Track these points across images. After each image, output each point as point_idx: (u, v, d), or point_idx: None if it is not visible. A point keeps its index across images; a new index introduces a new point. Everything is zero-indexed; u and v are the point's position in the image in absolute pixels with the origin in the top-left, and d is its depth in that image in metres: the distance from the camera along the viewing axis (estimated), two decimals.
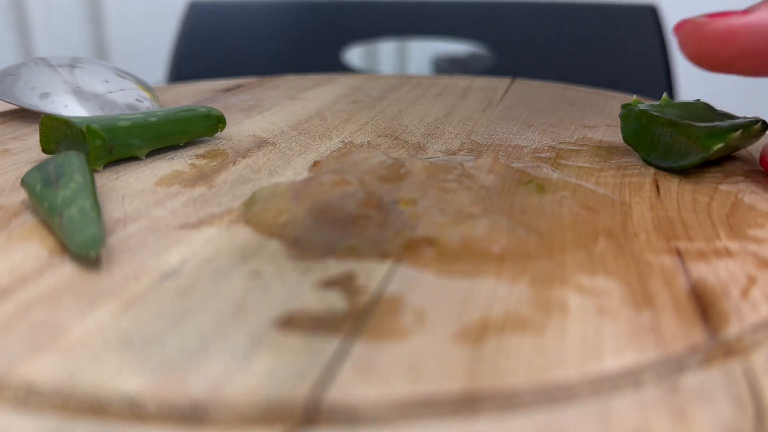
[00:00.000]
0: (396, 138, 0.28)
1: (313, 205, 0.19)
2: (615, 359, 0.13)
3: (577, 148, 0.27)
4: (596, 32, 0.65)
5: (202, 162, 0.25)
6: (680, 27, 0.23)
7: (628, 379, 0.12)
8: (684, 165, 0.23)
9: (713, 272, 0.16)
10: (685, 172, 0.23)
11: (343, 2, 0.69)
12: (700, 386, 0.12)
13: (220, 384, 0.12)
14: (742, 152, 0.26)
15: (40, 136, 0.24)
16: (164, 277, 0.16)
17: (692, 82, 0.64)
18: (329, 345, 0.13)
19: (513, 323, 0.14)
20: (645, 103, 0.25)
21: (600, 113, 0.33)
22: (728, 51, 0.21)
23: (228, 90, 0.40)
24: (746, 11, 0.22)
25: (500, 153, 0.26)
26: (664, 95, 0.26)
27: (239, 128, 0.30)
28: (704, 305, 0.15)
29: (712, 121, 0.23)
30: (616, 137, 0.28)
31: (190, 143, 0.27)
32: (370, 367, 0.13)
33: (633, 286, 0.16)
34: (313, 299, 0.15)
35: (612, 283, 0.16)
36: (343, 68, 0.66)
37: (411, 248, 0.17)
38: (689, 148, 0.22)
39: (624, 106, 0.25)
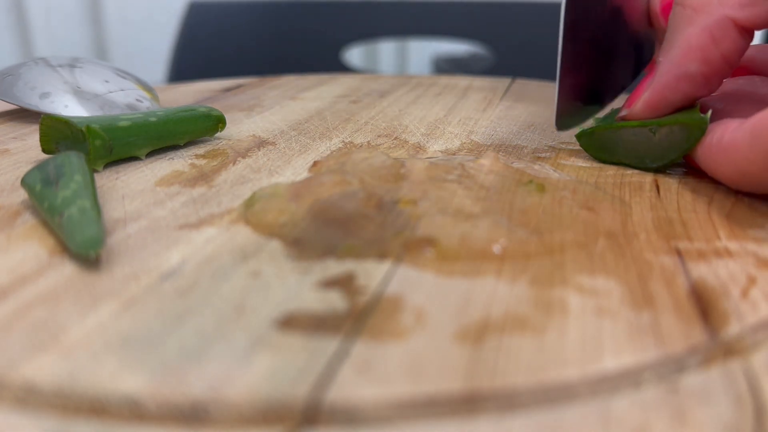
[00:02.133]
0: (396, 138, 0.28)
1: (313, 205, 0.19)
2: (615, 359, 0.13)
3: (577, 148, 0.27)
4: None
5: (202, 162, 0.25)
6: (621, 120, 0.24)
7: (628, 379, 0.12)
8: (686, 149, 0.22)
9: (713, 272, 0.16)
10: (684, 172, 0.23)
11: (343, 2, 0.69)
12: (700, 386, 0.12)
13: (220, 384, 0.12)
14: None
15: (40, 136, 0.24)
16: (164, 277, 0.16)
17: None
18: (329, 345, 0.13)
19: (513, 323, 0.14)
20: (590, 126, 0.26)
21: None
22: (666, 111, 0.23)
23: (228, 90, 0.40)
24: (651, 70, 0.23)
25: (500, 153, 0.26)
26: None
27: (239, 128, 0.30)
28: (704, 305, 0.15)
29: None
30: None
31: (190, 143, 0.27)
32: (370, 367, 0.13)
33: (633, 286, 0.16)
34: (313, 299, 0.15)
35: (612, 283, 0.16)
36: (343, 68, 0.66)
37: (411, 248, 0.17)
38: (668, 141, 0.23)
39: (579, 135, 0.26)
